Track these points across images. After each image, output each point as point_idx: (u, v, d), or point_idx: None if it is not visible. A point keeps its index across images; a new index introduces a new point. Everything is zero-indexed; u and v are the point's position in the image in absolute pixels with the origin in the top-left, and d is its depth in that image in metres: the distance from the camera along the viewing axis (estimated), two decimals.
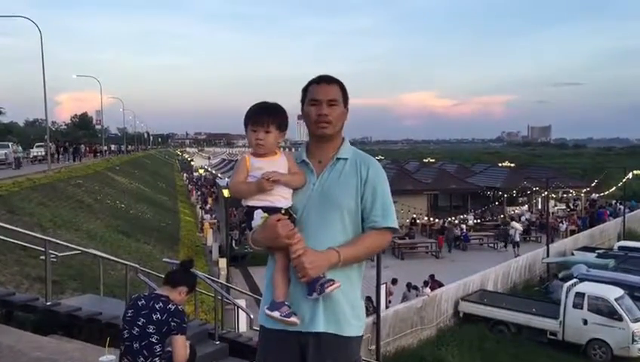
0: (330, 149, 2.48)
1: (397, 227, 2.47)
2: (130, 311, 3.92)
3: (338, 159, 2.46)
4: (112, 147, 74.90)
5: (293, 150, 2.66)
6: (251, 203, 2.38)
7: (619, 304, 15.92)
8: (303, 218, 2.38)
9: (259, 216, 2.34)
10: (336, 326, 2.33)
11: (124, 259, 12.07)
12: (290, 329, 2.31)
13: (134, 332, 3.89)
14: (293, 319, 2.29)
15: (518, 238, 29.19)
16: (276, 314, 2.30)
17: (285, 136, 2.50)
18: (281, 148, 2.50)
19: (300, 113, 2.55)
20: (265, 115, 2.40)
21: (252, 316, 11.83)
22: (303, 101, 2.48)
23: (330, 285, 2.25)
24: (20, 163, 31.85)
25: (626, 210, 34.88)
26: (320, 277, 2.26)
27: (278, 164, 2.40)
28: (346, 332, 2.35)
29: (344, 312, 2.36)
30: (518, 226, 30.76)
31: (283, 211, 2.35)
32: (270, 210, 2.33)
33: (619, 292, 16.47)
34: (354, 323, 2.39)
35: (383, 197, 2.43)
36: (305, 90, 2.48)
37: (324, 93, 2.40)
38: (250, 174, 2.39)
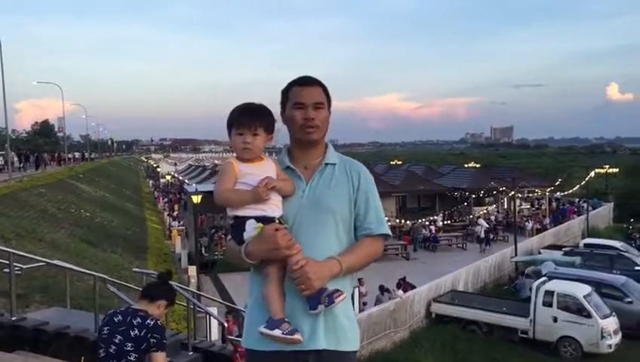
0: (316, 154, 2.35)
1: (390, 233, 2.39)
2: (106, 328, 3.71)
3: (327, 164, 2.34)
4: (76, 155, 73.38)
5: (267, 155, 2.49)
6: (242, 213, 2.20)
7: (587, 301, 16.18)
8: (295, 227, 2.24)
9: (251, 227, 2.17)
10: (336, 342, 2.21)
11: (90, 269, 11.76)
12: (288, 349, 2.15)
13: (111, 351, 3.67)
14: (297, 336, 2.11)
15: (483, 235, 29.94)
16: (277, 332, 2.10)
17: (272, 140, 2.36)
18: (265, 153, 2.35)
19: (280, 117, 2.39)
20: (252, 117, 2.24)
21: (225, 324, 11.73)
22: (282, 104, 2.34)
23: (339, 296, 2.13)
24: None
25: (589, 208, 35.68)
26: (323, 288, 2.13)
27: (267, 169, 2.24)
28: (345, 347, 2.24)
29: (342, 325, 2.24)
30: (484, 223, 31.72)
31: (277, 220, 2.20)
32: (264, 220, 2.17)
33: (587, 289, 16.74)
34: (351, 336, 2.28)
35: (375, 204, 2.35)
36: (285, 93, 2.34)
37: (309, 96, 2.27)
38: (238, 181, 2.22)
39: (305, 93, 2.28)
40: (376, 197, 2.38)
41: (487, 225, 32.13)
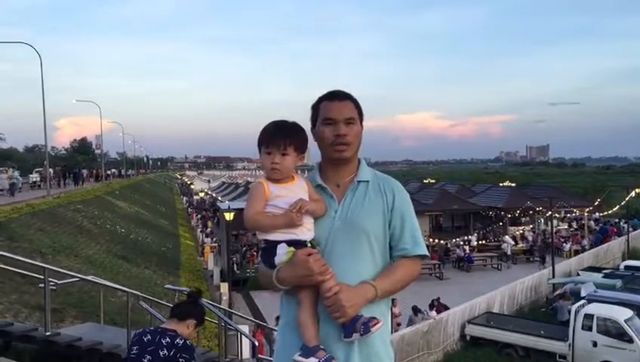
0: (348, 172, 2.25)
1: (427, 254, 2.28)
2: (135, 348, 3.68)
3: (359, 182, 2.24)
4: (114, 171, 74.87)
5: (299, 172, 2.41)
6: (272, 236, 2.11)
7: (628, 325, 15.61)
8: (328, 250, 2.15)
9: (283, 251, 2.08)
10: None
11: (124, 285, 11.88)
12: None
13: None
14: None
15: (509, 252, 29.55)
16: (313, 361, 2.01)
17: (304, 159, 2.25)
18: (298, 172, 2.26)
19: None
20: (281, 136, 2.14)
21: (256, 342, 11.67)
22: (313, 120, 2.26)
23: (375, 324, 2.03)
24: (15, 189, 30.16)
25: (629, 229, 34.67)
26: (358, 316, 2.04)
27: (299, 190, 2.15)
28: None
29: (378, 352, 2.14)
30: (510, 240, 31.93)
31: (309, 244, 2.12)
32: (295, 244, 2.08)
33: (628, 313, 16.16)
34: (387, 358, 2.18)
35: (411, 223, 2.24)
36: (315, 108, 2.25)
37: (339, 112, 2.18)
38: (269, 203, 2.12)
39: (335, 109, 2.19)
40: (413, 216, 2.27)
41: (513, 243, 32.22)
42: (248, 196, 2.18)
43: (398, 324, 17.71)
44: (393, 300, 18.09)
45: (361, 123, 2.26)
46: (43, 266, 8.05)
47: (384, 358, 2.16)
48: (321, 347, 2.05)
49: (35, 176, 41.33)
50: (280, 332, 2.27)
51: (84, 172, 53.89)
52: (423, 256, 2.25)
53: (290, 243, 2.09)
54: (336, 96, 2.23)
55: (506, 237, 32.87)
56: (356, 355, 2.09)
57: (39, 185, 37.48)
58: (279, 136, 2.14)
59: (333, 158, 2.22)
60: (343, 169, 2.26)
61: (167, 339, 3.65)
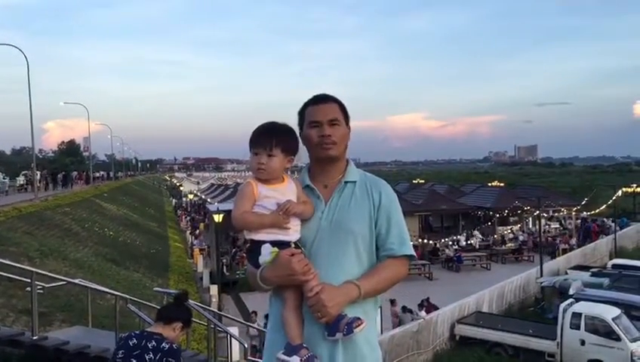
0: (336, 172, 2.28)
1: (414, 254, 2.28)
2: (120, 352, 3.64)
3: (346, 183, 2.26)
4: (102, 173, 74.50)
5: (289, 174, 2.40)
6: (257, 236, 2.13)
7: (616, 323, 15.73)
8: (314, 250, 2.17)
9: (267, 252, 2.09)
10: None
11: (113, 288, 11.83)
12: None
13: None
14: None
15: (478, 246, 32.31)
16: (295, 359, 2.02)
17: (294, 161, 2.25)
18: (288, 173, 2.28)
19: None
20: (268, 137, 2.15)
21: (246, 344, 11.65)
22: (300, 125, 2.29)
23: (359, 325, 2.04)
24: None
25: (617, 228, 34.93)
26: (342, 315, 2.05)
27: (288, 191, 2.17)
28: None
29: (362, 353, 2.15)
30: (479, 235, 34.66)
31: (293, 245, 2.13)
32: (279, 244, 2.10)
33: (616, 311, 16.29)
34: (372, 358, 2.19)
35: (398, 223, 2.26)
36: (302, 113, 2.29)
37: (323, 114, 2.22)
38: (257, 203, 2.13)
39: (319, 111, 2.23)
40: (399, 215, 2.28)
41: (482, 238, 35.26)
42: (237, 195, 2.19)
43: (399, 323, 17.74)
44: (393, 300, 18.22)
45: (347, 124, 2.29)
46: (30, 270, 7.99)
47: (368, 358, 2.17)
48: (304, 345, 2.06)
49: (21, 179, 40.88)
50: (268, 331, 2.30)
51: (74, 174, 53.61)
52: (409, 257, 2.26)
53: (274, 243, 2.10)
54: (321, 100, 2.27)
55: (475, 231, 34.77)
56: (340, 354, 2.10)
57: (26, 188, 37.13)
58: (266, 137, 2.16)
59: (321, 158, 2.25)
60: (331, 170, 2.28)
61: (153, 343, 3.62)
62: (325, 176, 2.28)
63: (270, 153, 2.14)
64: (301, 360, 2.02)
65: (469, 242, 35.10)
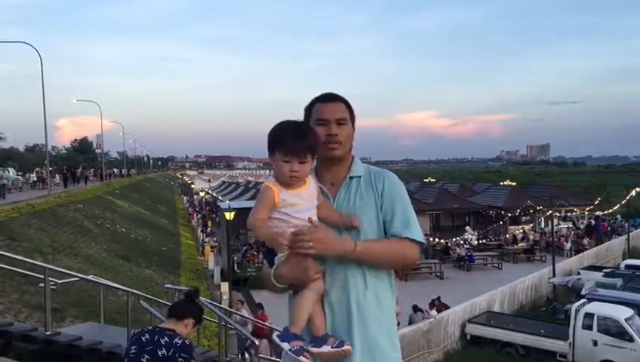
0: (342, 170, 2.30)
1: (419, 239, 2.22)
2: (133, 348, 3.67)
3: (352, 178, 2.29)
4: (115, 170, 74.90)
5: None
6: None
7: (629, 324, 15.62)
8: None
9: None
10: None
11: (124, 284, 11.86)
12: None
13: None
14: (347, 347, 2.05)
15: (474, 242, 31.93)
16: (326, 348, 2.03)
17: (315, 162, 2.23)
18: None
19: None
20: (302, 144, 2.07)
21: (257, 342, 11.68)
22: (306, 121, 2.29)
23: (347, 347, 2.06)
24: (5, 191, 27.52)
25: (630, 228, 34.62)
26: (327, 335, 2.09)
27: (310, 195, 2.14)
28: None
29: (381, 347, 2.16)
30: (471, 231, 34.67)
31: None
32: None
33: (628, 312, 16.18)
34: (392, 356, 2.20)
35: (403, 206, 2.25)
36: (308, 109, 2.30)
37: (331, 112, 2.23)
38: (279, 210, 2.08)
39: (327, 110, 2.25)
40: (405, 200, 2.27)
41: (474, 233, 35.25)
42: (257, 198, 2.15)
43: (398, 323, 17.69)
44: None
45: (353, 124, 2.32)
46: (43, 266, 8.04)
47: (389, 353, 2.19)
48: (330, 334, 2.09)
49: (33, 176, 41.06)
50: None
51: (91, 171, 54.21)
52: (418, 243, 2.22)
53: None
54: (329, 98, 2.30)
55: (467, 227, 35.01)
56: (358, 350, 2.11)
57: (38, 185, 37.33)
58: (300, 144, 2.07)
59: (326, 157, 2.26)
60: (337, 168, 2.31)
61: (166, 339, 3.64)
62: (331, 174, 2.31)
63: (303, 160, 2.09)
64: (332, 346, 2.03)
65: (481, 241, 34.97)
